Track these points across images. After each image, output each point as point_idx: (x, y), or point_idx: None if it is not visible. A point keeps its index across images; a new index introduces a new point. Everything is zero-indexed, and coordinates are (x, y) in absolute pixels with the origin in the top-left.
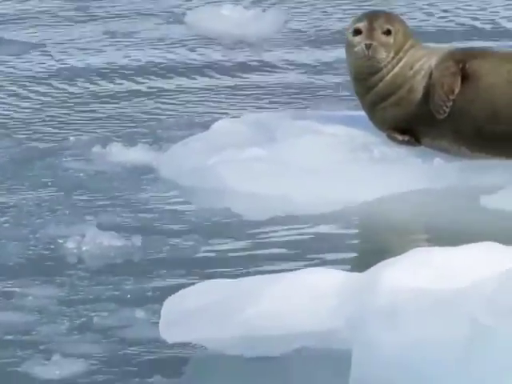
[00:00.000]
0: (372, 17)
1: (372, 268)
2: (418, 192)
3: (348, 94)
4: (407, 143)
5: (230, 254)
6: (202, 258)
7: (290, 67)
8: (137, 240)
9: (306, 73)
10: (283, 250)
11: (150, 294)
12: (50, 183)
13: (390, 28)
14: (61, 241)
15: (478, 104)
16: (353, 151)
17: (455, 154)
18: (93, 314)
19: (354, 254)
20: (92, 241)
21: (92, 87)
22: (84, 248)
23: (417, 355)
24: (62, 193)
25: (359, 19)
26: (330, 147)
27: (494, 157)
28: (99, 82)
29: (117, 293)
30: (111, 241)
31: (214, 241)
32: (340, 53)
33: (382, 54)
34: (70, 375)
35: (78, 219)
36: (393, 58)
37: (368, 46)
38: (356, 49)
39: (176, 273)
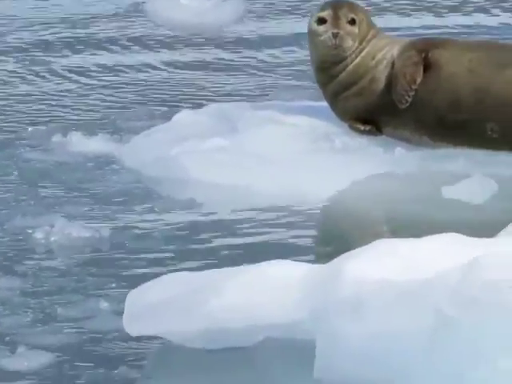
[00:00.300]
0: (336, 6)
1: (336, 259)
2: (379, 181)
3: (309, 83)
4: (369, 133)
5: (195, 246)
6: (167, 249)
7: (249, 56)
8: (105, 231)
9: (265, 62)
10: (247, 241)
11: (114, 285)
12: (12, 174)
13: (355, 17)
14: (29, 231)
15: (440, 93)
16: (314, 141)
17: (417, 143)
18: (57, 305)
19: (318, 245)
20: (60, 231)
21: (46, 76)
22: (52, 239)
23: (381, 346)
24: (26, 184)
25: (323, 8)
26: (291, 137)
27: (456, 146)
28: (53, 69)
29: (83, 284)
30: (80, 231)
31: (180, 232)
32: (300, 44)
33: (349, 43)
34: (36, 367)
35: (45, 210)
36: (356, 47)
37: (335, 35)
38: (322, 38)
39: (142, 264)
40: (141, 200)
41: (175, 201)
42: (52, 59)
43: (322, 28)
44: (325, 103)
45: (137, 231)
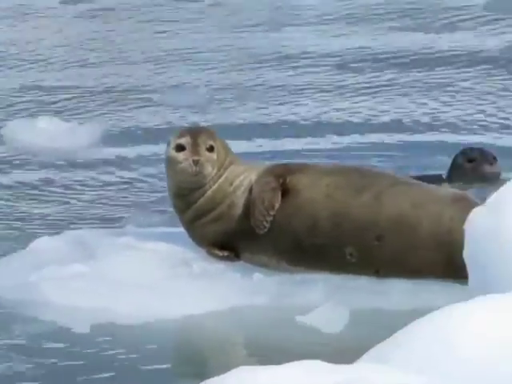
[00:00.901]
0: (195, 133)
1: None
2: (237, 308)
3: (165, 208)
4: (227, 259)
5: (57, 364)
6: (33, 373)
7: (102, 180)
8: None
9: (119, 186)
10: (103, 367)
11: None
12: None
13: (213, 144)
14: None
15: (298, 218)
16: (173, 267)
17: (274, 268)
18: None
19: (174, 374)
20: None
21: None
22: None
23: None
24: None
25: (181, 135)
26: (149, 264)
27: (315, 270)
28: None
29: None
30: None
31: (43, 353)
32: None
33: (209, 170)
34: None
35: None
36: (215, 173)
37: (195, 162)
38: (182, 165)
39: None
40: (2, 327)
41: (35, 326)
42: None
43: (181, 155)
44: (181, 228)
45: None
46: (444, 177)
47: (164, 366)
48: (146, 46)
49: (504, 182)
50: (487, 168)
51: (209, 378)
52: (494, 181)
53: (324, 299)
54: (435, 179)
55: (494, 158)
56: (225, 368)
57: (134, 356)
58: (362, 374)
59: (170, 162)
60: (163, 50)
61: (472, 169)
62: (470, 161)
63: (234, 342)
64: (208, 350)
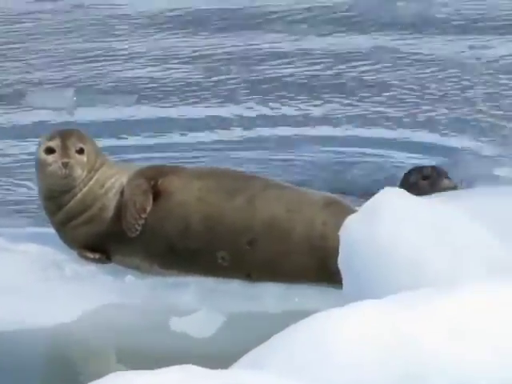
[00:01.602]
0: (64, 135)
1: None
2: (109, 311)
3: (35, 208)
4: (98, 261)
5: None
6: None
7: None
8: None
9: None
10: None
11: None
12: None
13: (83, 147)
14: None
15: (170, 221)
16: (44, 269)
17: (147, 271)
18: None
19: (49, 379)
20: None
21: None
22: None
23: None
24: None
25: (51, 137)
26: (21, 266)
27: (187, 274)
28: None
29: None
30: None
31: None
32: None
33: (78, 172)
34: None
35: None
36: (85, 176)
37: (65, 165)
38: (51, 167)
39: None
40: None
41: None
42: None
43: (50, 158)
44: (51, 229)
45: None
46: None
47: (35, 374)
48: None
49: None
50: (446, 183)
51: (84, 383)
52: None
53: (197, 303)
54: None
55: (446, 173)
56: (96, 374)
57: (3, 364)
58: (237, 380)
59: (40, 165)
60: None
61: (430, 185)
62: (425, 178)
63: (105, 347)
64: (80, 356)
